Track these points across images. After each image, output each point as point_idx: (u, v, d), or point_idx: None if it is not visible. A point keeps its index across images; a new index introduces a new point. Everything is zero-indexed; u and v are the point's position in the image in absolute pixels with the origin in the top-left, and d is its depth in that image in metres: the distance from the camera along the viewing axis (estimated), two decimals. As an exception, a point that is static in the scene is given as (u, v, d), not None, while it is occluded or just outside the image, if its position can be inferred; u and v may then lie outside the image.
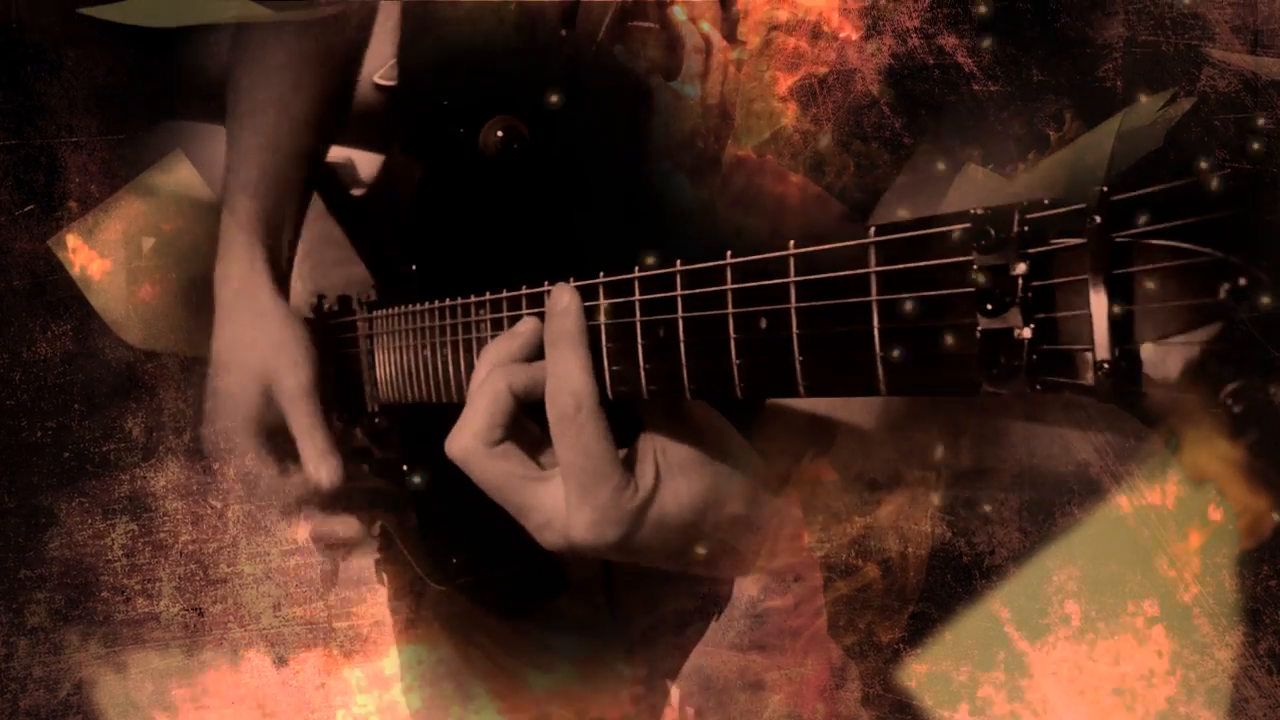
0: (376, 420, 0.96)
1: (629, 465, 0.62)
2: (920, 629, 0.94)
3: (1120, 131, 0.95)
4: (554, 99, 0.87)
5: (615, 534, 0.61)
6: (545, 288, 0.66)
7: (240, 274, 0.93)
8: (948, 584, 0.95)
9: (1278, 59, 0.94)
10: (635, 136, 0.95)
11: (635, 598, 0.99)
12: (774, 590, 0.95)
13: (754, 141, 0.96)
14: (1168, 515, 0.94)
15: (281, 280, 0.95)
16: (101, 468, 0.96)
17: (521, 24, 0.94)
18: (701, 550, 0.67)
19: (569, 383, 0.59)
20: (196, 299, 0.96)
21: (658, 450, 0.63)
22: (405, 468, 0.94)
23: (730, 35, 0.96)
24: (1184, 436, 0.96)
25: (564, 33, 0.90)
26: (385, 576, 1.03)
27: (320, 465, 0.89)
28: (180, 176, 0.96)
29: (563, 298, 0.61)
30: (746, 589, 0.96)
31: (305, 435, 0.90)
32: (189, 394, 0.97)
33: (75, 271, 0.96)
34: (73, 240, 0.96)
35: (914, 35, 0.94)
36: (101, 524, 0.95)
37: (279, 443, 0.93)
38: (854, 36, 0.94)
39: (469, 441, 0.62)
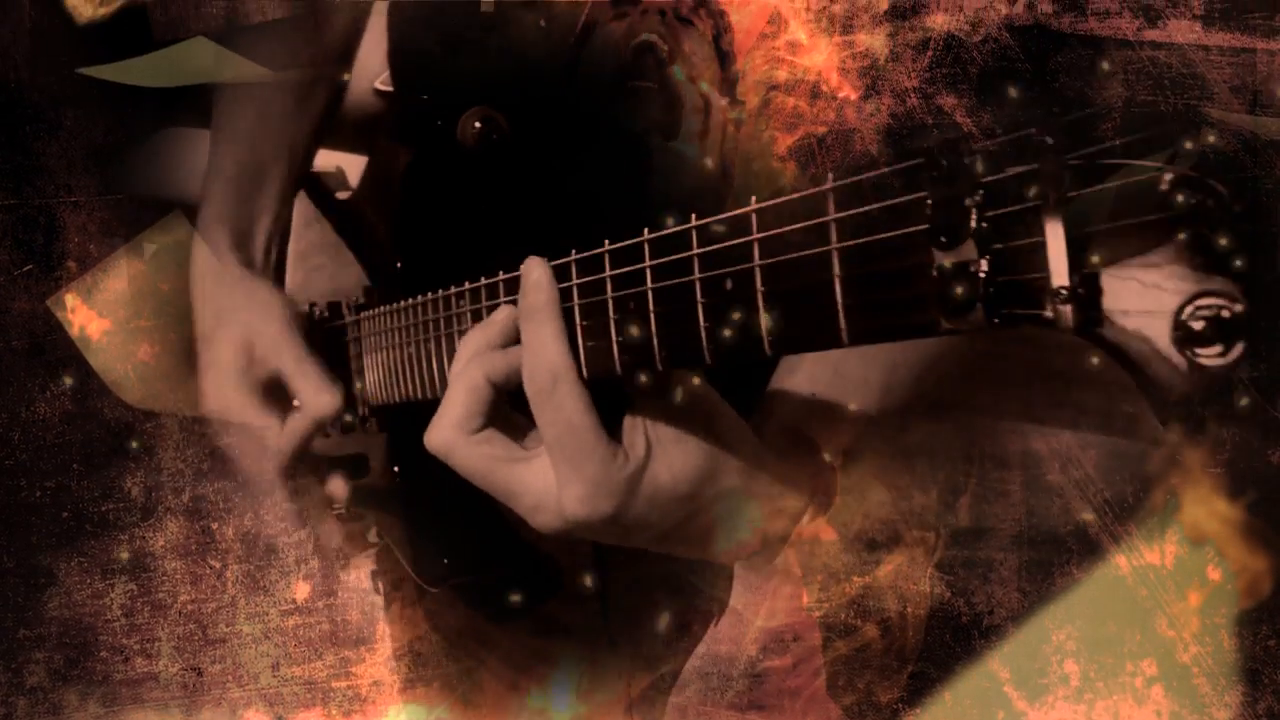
0: (366, 424, 0.96)
1: (618, 437, 0.61)
2: (919, 689, 0.94)
3: (1120, 192, 0.94)
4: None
5: (609, 506, 0.60)
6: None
7: (204, 257, 0.93)
8: (947, 644, 0.95)
9: (1277, 118, 0.94)
10: (634, 196, 0.95)
11: (629, 603, 0.99)
12: (773, 650, 0.95)
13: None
14: (1166, 575, 0.94)
15: (252, 265, 0.94)
16: (100, 527, 0.96)
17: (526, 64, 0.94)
18: (699, 524, 0.66)
19: (544, 357, 0.58)
20: (196, 358, 0.96)
21: (648, 422, 0.62)
22: (395, 469, 0.93)
23: (729, 95, 0.96)
24: (1183, 496, 0.96)
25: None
26: (381, 585, 1.03)
27: (318, 395, 0.87)
28: (179, 236, 0.96)
29: (533, 272, 0.60)
30: (745, 648, 0.96)
31: (296, 371, 0.88)
32: (188, 454, 0.97)
33: (74, 331, 0.96)
34: (72, 300, 0.96)
35: (913, 95, 0.94)
36: (100, 584, 0.95)
37: (277, 397, 0.91)
38: (853, 96, 0.94)
39: (447, 432, 0.61)
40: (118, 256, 0.96)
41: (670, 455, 0.62)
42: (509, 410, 0.64)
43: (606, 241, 0.58)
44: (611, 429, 0.61)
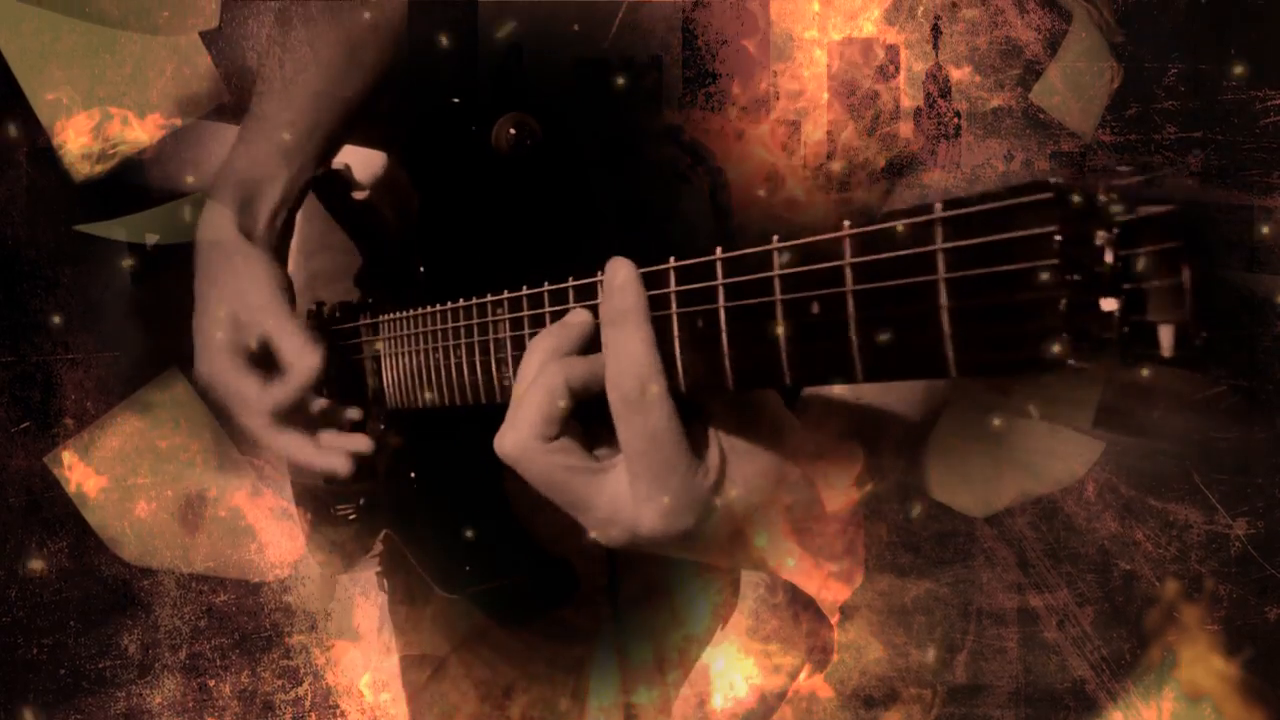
0: (383, 428, 0.94)
1: (695, 450, 0.58)
2: (917, 847, 0.94)
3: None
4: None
5: (688, 522, 0.57)
6: (570, 283, 0.63)
7: (207, 221, 0.92)
8: (944, 802, 0.95)
9: (1274, 276, 0.94)
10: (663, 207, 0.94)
11: (640, 607, 0.99)
12: (770, 808, 0.95)
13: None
14: (1164, 732, 0.94)
15: (252, 233, 0.93)
16: (98, 685, 0.96)
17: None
18: (762, 538, 0.65)
19: (633, 364, 0.55)
20: (192, 516, 0.96)
21: (721, 434, 0.60)
22: (413, 475, 0.92)
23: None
24: (1180, 653, 0.96)
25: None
26: (387, 583, 1.03)
27: (299, 355, 0.85)
28: (176, 394, 0.96)
29: (620, 272, 0.57)
30: (743, 804, 0.96)
31: (278, 333, 0.87)
32: (185, 611, 0.97)
33: (71, 489, 0.96)
34: (69, 457, 0.96)
35: (910, 252, 0.94)
36: (97, 741, 0.95)
37: (266, 363, 0.89)
38: (850, 253, 0.94)
39: (525, 438, 0.58)
40: (115, 413, 0.96)
41: (743, 466, 0.60)
42: (573, 419, 0.61)
43: (672, 258, 0.55)
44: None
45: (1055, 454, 0.96)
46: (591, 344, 0.61)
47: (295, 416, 0.89)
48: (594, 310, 0.62)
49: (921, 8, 0.96)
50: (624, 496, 0.58)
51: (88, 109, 0.95)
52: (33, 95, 0.94)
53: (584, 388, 0.59)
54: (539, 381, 0.59)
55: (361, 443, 0.91)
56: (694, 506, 0.58)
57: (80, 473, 0.95)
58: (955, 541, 0.96)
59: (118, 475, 0.96)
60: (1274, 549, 0.94)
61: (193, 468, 0.97)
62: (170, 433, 0.97)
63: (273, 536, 0.98)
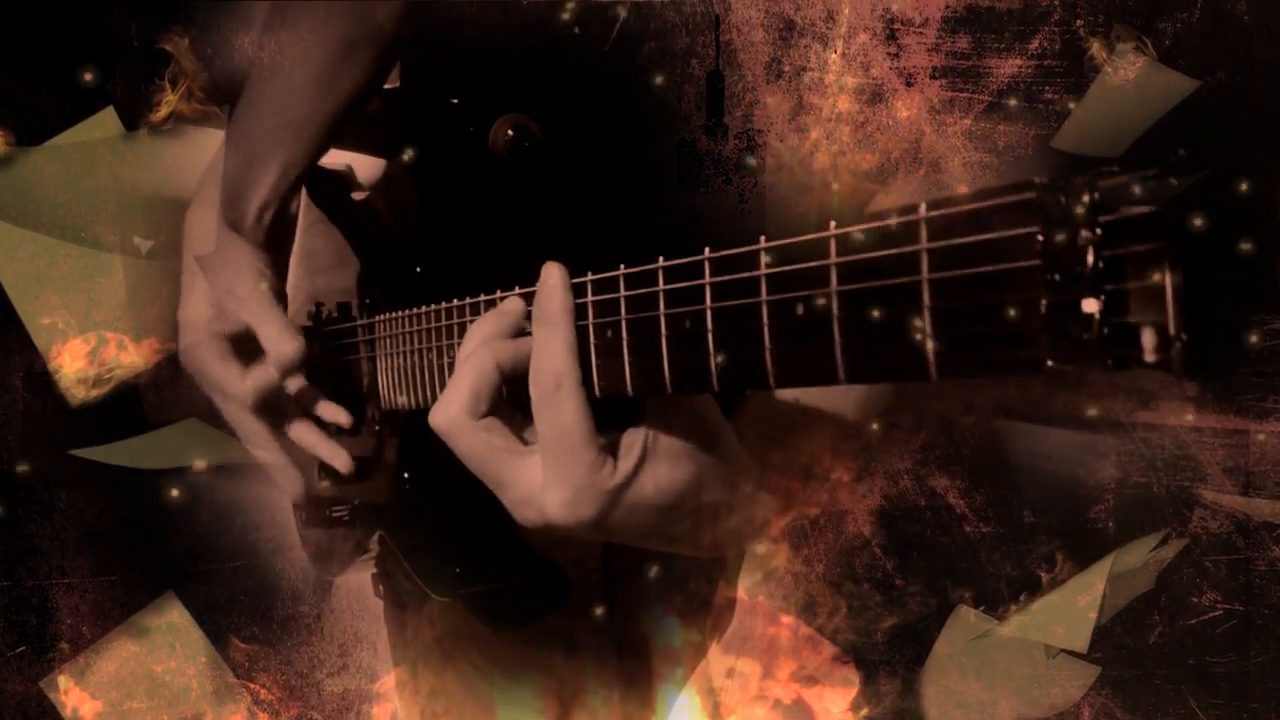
0: (377, 429, 0.93)
1: (613, 447, 0.63)
2: None
3: (1112, 573, 0.95)
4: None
5: (589, 512, 0.62)
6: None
7: (195, 210, 0.94)
8: None
9: (1270, 500, 0.94)
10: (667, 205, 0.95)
11: (638, 619, 0.99)
12: None
13: (747, 582, 0.96)
14: None
15: (239, 226, 0.92)
16: None
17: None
18: (679, 530, 0.68)
19: (550, 362, 0.60)
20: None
21: (649, 436, 0.63)
22: (406, 476, 0.93)
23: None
24: None
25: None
26: (383, 589, 1.04)
27: (279, 341, 0.87)
28: (172, 619, 0.96)
29: (550, 277, 0.62)
30: None
31: (259, 320, 0.88)
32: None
33: (67, 713, 0.96)
34: (65, 682, 0.96)
35: (906, 476, 0.94)
36: None
37: (249, 350, 0.91)
38: (845, 478, 0.94)
39: (454, 412, 0.63)
40: (111, 638, 0.97)
41: (658, 471, 0.64)
42: (509, 406, 0.66)
43: (661, 258, 0.57)
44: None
45: (1051, 679, 0.96)
46: (526, 328, 0.66)
47: (277, 407, 0.91)
48: (529, 298, 0.66)
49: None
50: (538, 481, 0.63)
51: (83, 333, 0.96)
52: (28, 320, 0.95)
53: (511, 369, 0.64)
54: (470, 361, 0.64)
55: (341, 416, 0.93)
56: (595, 499, 0.62)
57: (76, 697, 0.96)
58: (952, 765, 0.96)
59: (114, 700, 0.96)
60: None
61: (188, 692, 0.97)
62: (166, 657, 0.97)
63: (268, 760, 0.98)
